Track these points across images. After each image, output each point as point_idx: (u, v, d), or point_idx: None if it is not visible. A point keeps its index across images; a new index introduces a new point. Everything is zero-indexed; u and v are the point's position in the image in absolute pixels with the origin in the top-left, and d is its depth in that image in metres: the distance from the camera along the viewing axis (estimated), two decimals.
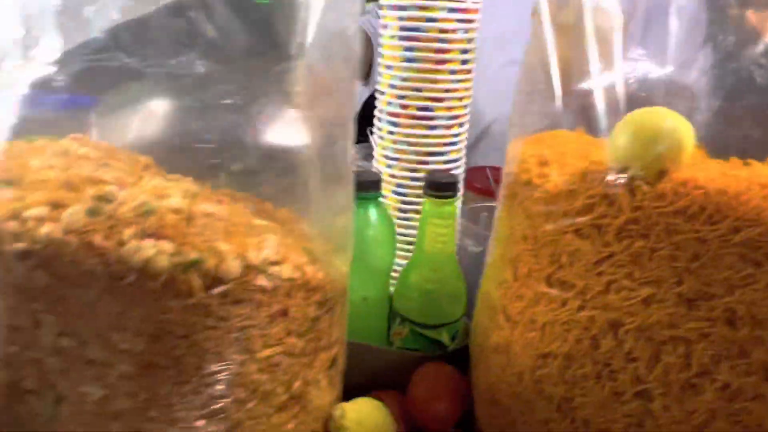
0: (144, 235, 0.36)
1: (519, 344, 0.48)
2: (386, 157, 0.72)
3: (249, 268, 0.38)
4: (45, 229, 0.34)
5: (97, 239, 0.35)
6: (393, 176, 0.72)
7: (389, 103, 0.70)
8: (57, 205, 0.36)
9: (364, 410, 0.54)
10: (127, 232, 0.35)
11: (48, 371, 0.38)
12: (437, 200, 0.61)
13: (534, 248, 0.47)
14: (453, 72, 0.68)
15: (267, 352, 0.42)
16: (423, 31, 0.66)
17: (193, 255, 0.36)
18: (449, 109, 0.69)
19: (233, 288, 0.38)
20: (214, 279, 0.37)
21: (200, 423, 0.41)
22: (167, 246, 0.36)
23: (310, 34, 0.45)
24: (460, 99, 0.70)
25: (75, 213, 0.35)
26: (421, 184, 0.69)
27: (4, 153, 0.41)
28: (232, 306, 0.38)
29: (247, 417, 0.43)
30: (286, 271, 0.40)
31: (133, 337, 0.37)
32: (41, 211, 0.35)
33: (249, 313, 0.39)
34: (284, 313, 0.42)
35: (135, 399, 0.39)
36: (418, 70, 0.67)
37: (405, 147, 0.71)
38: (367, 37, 1.07)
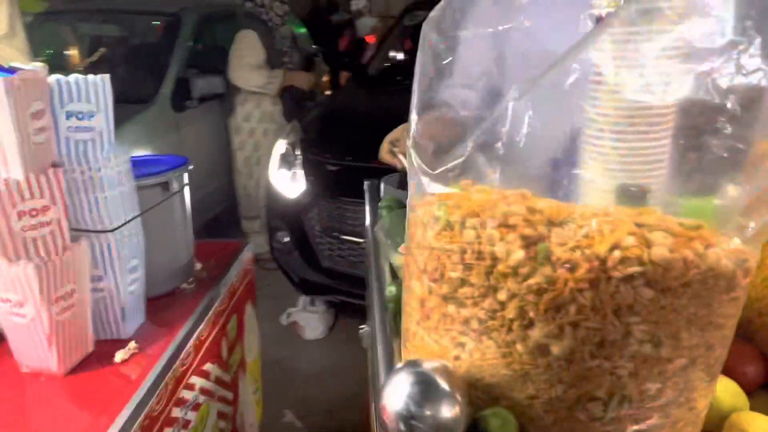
0: (703, 245, 0.43)
1: None
2: (611, 170, 0.82)
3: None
4: (657, 252, 0.41)
5: (688, 254, 0.42)
6: None
7: (617, 123, 0.80)
8: (634, 234, 0.43)
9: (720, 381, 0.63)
10: (696, 245, 0.43)
11: (620, 377, 0.44)
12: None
13: None
14: None
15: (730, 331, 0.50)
16: None
17: (743, 255, 0.44)
18: (669, 123, 0.80)
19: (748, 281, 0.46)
20: (744, 274, 0.45)
21: (702, 404, 0.49)
22: (720, 251, 0.44)
23: None
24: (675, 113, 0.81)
25: (664, 236, 0.42)
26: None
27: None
28: (745, 295, 0.47)
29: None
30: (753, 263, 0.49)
31: (696, 333, 0.44)
32: (630, 240, 0.42)
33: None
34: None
35: (676, 388, 0.46)
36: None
37: (630, 159, 0.81)
38: None
